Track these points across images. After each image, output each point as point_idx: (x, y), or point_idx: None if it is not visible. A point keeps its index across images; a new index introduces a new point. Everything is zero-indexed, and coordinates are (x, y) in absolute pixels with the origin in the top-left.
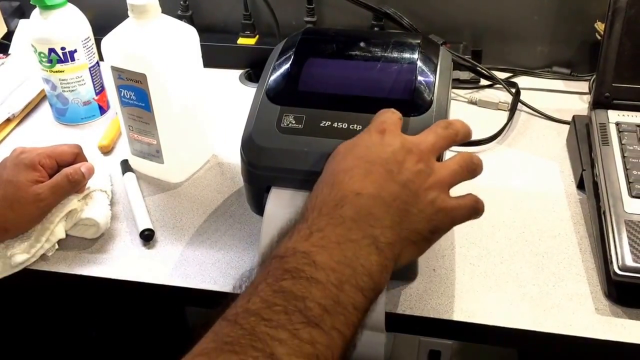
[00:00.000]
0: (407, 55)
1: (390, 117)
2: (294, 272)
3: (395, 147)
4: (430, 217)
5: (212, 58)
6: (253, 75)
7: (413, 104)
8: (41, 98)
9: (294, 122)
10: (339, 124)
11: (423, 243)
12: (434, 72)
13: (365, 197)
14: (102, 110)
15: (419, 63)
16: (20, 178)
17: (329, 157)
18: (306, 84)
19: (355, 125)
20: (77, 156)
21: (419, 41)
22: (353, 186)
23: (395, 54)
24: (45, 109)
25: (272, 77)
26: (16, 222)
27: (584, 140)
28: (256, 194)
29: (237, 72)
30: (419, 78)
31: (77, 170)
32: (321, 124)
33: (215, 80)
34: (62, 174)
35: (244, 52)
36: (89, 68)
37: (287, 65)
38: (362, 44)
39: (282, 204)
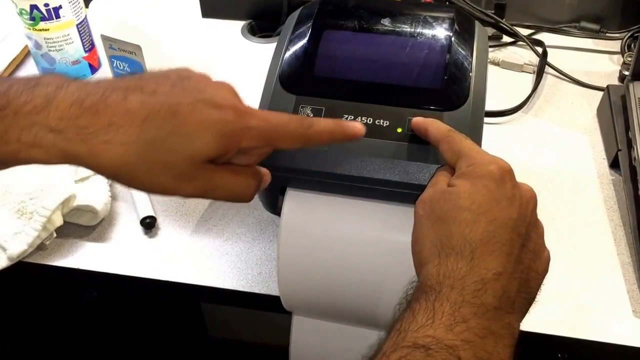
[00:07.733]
0: (440, 34)
1: (505, 164)
2: None
3: (520, 201)
4: (544, 274)
5: (212, 7)
6: (256, 27)
7: (447, 96)
8: (25, 54)
9: (311, 114)
10: (364, 118)
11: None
12: (471, 55)
13: (505, 277)
14: (93, 69)
15: (455, 45)
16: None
17: (444, 200)
18: (325, 70)
19: (381, 121)
20: None
21: (452, 16)
22: (493, 264)
23: (426, 32)
24: (31, 67)
25: (286, 60)
26: None
27: (619, 115)
28: (270, 195)
29: (239, 24)
30: (454, 64)
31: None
32: (343, 118)
33: (215, 33)
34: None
35: (246, 1)
36: (77, 25)
37: (302, 45)
38: (387, 22)
39: (299, 208)
